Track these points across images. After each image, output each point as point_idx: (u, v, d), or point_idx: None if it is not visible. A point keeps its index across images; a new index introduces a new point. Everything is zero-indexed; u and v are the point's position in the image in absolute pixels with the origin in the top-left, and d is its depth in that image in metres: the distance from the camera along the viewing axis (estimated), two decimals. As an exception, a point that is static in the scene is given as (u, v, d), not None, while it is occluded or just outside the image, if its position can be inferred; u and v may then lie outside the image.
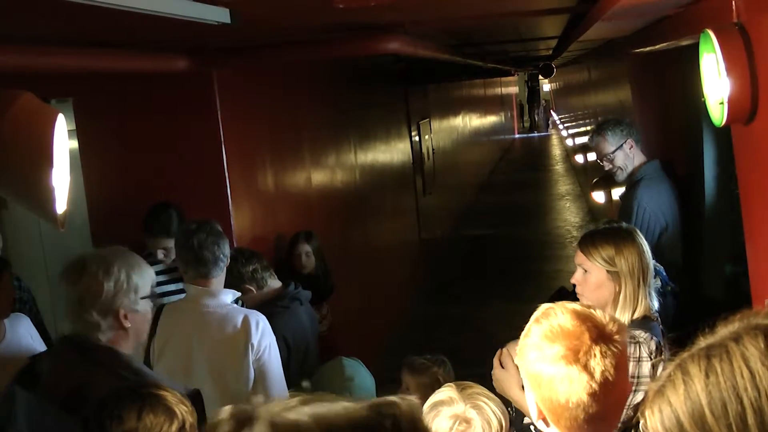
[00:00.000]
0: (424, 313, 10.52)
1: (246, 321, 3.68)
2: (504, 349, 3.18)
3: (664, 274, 4.09)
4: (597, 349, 1.90)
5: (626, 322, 2.94)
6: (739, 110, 2.43)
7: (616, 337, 1.95)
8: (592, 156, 13.43)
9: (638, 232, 3.11)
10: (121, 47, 4.09)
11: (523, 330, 2.07)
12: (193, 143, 5.20)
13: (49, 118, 2.50)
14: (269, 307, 4.11)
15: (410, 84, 11.87)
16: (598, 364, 1.89)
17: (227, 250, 3.81)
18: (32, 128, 2.47)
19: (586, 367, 1.89)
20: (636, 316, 2.99)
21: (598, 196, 7.25)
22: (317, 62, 6.66)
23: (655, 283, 4.04)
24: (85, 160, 5.24)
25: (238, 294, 3.91)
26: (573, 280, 3.14)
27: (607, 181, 6.69)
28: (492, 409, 2.53)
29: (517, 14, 5.24)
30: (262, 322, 3.71)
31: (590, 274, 3.07)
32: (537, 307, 2.11)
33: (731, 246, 4.12)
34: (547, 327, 1.98)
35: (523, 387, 3.00)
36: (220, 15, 3.04)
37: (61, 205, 2.52)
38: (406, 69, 10.59)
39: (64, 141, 2.54)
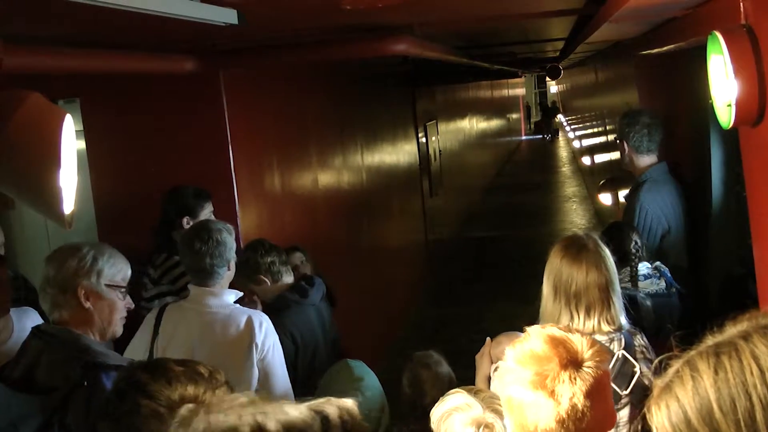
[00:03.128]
0: (429, 313, 10.52)
1: (249, 321, 3.67)
2: (489, 339, 3.19)
3: (669, 275, 4.08)
4: (566, 375, 1.87)
5: None
6: (746, 112, 2.42)
7: (590, 363, 1.90)
8: (598, 158, 13.38)
9: (589, 246, 2.98)
10: (129, 48, 4.10)
11: (526, 331, 2.07)
12: (200, 144, 5.20)
13: (56, 119, 2.50)
14: (280, 300, 4.11)
15: (417, 85, 11.87)
16: (567, 390, 1.85)
17: (230, 254, 3.79)
18: (40, 129, 2.47)
19: (553, 393, 1.86)
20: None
21: (605, 198, 7.25)
22: (324, 63, 6.66)
23: (659, 284, 4.04)
24: (92, 160, 5.25)
25: (240, 294, 3.90)
26: None
27: (614, 183, 6.69)
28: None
29: (524, 16, 5.23)
30: (265, 323, 3.71)
31: None
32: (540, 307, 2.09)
33: (738, 248, 4.11)
34: (520, 351, 1.96)
35: (488, 379, 3.05)
36: (228, 16, 3.05)
37: (68, 206, 2.52)
38: (414, 70, 10.59)
39: (71, 141, 2.54)
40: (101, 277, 2.90)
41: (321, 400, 1.33)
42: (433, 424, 2.42)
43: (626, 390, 2.83)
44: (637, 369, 2.87)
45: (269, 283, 4.24)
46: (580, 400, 1.85)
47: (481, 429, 2.39)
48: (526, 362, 1.92)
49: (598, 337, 2.88)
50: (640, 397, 2.91)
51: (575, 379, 1.87)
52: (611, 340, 2.91)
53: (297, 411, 1.27)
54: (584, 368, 1.90)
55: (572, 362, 1.89)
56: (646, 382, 2.91)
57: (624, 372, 2.86)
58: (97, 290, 2.89)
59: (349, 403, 1.34)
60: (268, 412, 1.26)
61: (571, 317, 2.92)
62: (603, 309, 2.93)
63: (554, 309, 2.93)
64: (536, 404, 1.87)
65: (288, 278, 4.33)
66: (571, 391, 1.85)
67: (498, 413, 2.37)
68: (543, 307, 2.98)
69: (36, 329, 2.89)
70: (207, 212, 4.63)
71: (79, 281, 2.86)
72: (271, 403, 1.31)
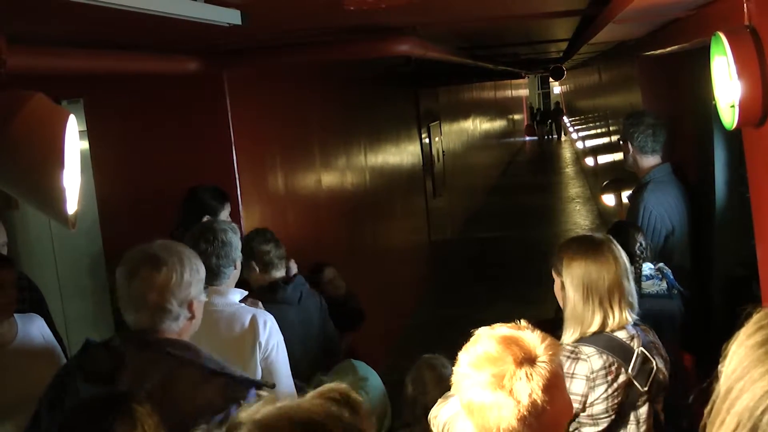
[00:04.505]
0: (432, 314, 10.51)
1: (254, 320, 3.68)
2: None
3: (672, 277, 4.07)
4: (522, 372, 1.86)
5: (576, 336, 2.90)
6: (750, 113, 2.42)
7: (544, 357, 1.90)
8: (602, 159, 13.38)
9: (608, 245, 2.97)
10: (133, 49, 4.10)
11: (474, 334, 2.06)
12: (203, 144, 5.21)
13: (60, 119, 2.50)
14: (262, 294, 4.12)
15: (421, 86, 11.88)
16: (525, 387, 1.85)
17: (236, 253, 3.80)
18: (43, 129, 2.47)
19: (512, 392, 1.85)
20: (587, 330, 2.89)
21: (608, 199, 7.24)
22: (327, 64, 6.66)
23: (661, 285, 4.04)
24: (95, 160, 5.26)
25: (245, 293, 3.91)
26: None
27: (618, 184, 6.68)
28: None
29: (528, 17, 5.23)
30: (269, 321, 3.72)
31: (555, 283, 3.04)
32: (545, 309, 2.10)
33: (741, 249, 4.10)
34: (474, 354, 1.95)
35: None
36: (231, 17, 3.05)
37: (71, 206, 2.53)
38: (417, 71, 10.59)
39: (74, 142, 2.55)
40: (202, 283, 2.85)
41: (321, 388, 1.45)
42: (435, 427, 2.41)
43: (645, 387, 2.86)
44: (653, 365, 2.89)
45: (258, 271, 4.28)
46: (539, 396, 1.85)
47: None
48: (481, 365, 1.91)
49: (621, 333, 2.90)
50: (656, 392, 2.92)
51: (531, 374, 1.87)
52: (631, 338, 2.92)
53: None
54: (539, 363, 1.89)
55: (527, 359, 1.89)
56: (661, 377, 2.93)
57: (644, 369, 2.89)
58: (201, 298, 2.83)
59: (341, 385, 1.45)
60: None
61: (605, 315, 2.90)
62: (627, 299, 2.94)
63: (586, 311, 2.90)
64: (497, 405, 1.86)
65: (278, 273, 4.37)
66: (529, 388, 1.85)
67: None
68: (570, 313, 2.94)
69: (151, 343, 2.69)
70: (226, 212, 4.67)
71: (193, 293, 2.77)
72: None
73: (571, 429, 2.83)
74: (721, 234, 4.40)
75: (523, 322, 2.03)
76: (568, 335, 2.91)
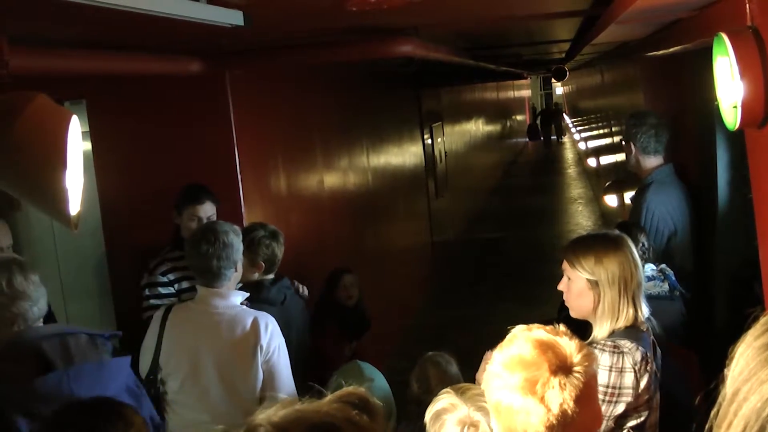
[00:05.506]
0: (435, 315, 10.51)
1: (255, 323, 3.69)
2: (489, 352, 3.19)
3: (673, 278, 4.07)
4: (556, 381, 1.86)
5: (608, 332, 2.90)
6: (752, 114, 2.42)
7: (579, 368, 1.90)
8: (604, 159, 13.37)
9: (626, 240, 2.99)
10: (135, 50, 4.11)
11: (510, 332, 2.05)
12: (205, 145, 5.21)
13: (62, 120, 2.51)
14: (246, 290, 4.11)
15: (423, 87, 11.87)
16: (557, 396, 1.85)
17: (237, 255, 3.80)
18: (46, 130, 2.47)
19: (543, 399, 1.85)
20: (619, 325, 2.90)
21: (611, 200, 7.25)
22: (330, 65, 6.66)
23: (662, 286, 4.03)
24: (98, 161, 5.26)
25: (247, 294, 3.91)
26: (559, 287, 3.08)
27: (620, 184, 6.68)
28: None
29: (530, 17, 5.23)
30: (271, 324, 3.72)
31: (573, 283, 2.99)
32: (548, 309, 2.09)
33: (744, 250, 4.10)
34: (508, 355, 1.95)
35: None
36: (234, 17, 3.05)
37: (74, 207, 2.53)
38: (419, 72, 10.59)
39: (77, 142, 2.55)
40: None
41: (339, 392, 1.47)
42: (427, 427, 2.42)
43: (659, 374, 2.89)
44: (659, 352, 2.93)
45: (245, 262, 4.28)
46: (569, 406, 1.85)
47: (466, 428, 2.38)
48: (514, 367, 1.91)
49: (642, 326, 2.93)
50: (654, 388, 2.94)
51: (565, 385, 1.86)
52: (647, 329, 2.96)
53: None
54: (574, 374, 1.89)
55: (562, 368, 1.89)
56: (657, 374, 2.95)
57: (657, 357, 2.92)
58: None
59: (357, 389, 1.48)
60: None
61: (636, 308, 2.92)
62: (642, 292, 2.97)
63: (622, 306, 2.91)
64: (526, 410, 1.86)
65: (265, 276, 4.42)
66: (561, 398, 1.85)
67: (484, 410, 2.35)
68: (607, 308, 2.91)
69: None
70: (205, 210, 4.56)
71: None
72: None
73: (616, 422, 2.81)
74: (724, 235, 4.40)
75: (562, 327, 2.02)
76: (602, 330, 2.92)
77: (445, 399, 2.48)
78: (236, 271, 3.82)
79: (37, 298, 2.87)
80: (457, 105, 16.36)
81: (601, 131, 14.04)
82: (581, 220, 16.51)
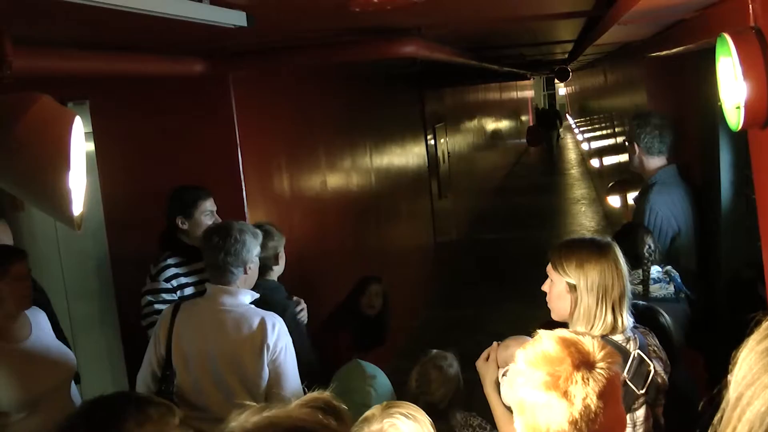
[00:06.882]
0: (438, 315, 10.51)
1: (262, 322, 3.68)
2: (496, 343, 3.19)
3: (679, 280, 4.05)
4: (578, 376, 1.86)
5: None
6: (755, 114, 2.41)
7: (602, 364, 1.90)
8: (607, 160, 13.35)
9: (614, 248, 2.95)
10: (138, 50, 4.11)
11: (534, 334, 2.06)
12: (208, 146, 5.21)
13: (65, 121, 2.51)
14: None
15: (426, 87, 11.86)
16: (579, 391, 1.85)
17: (248, 255, 3.79)
18: (49, 130, 2.48)
19: (566, 394, 1.85)
20: (594, 333, 2.83)
21: (614, 200, 7.24)
22: (333, 65, 6.67)
23: (668, 288, 4.02)
24: (101, 162, 5.27)
25: (257, 296, 3.90)
26: (543, 288, 3.05)
27: (623, 185, 6.67)
28: (410, 426, 2.36)
29: (533, 18, 5.23)
30: (278, 324, 3.72)
31: (554, 284, 2.98)
32: (549, 311, 2.09)
33: (747, 251, 4.10)
34: (532, 352, 1.95)
35: (497, 384, 3.07)
36: (237, 18, 3.05)
37: (77, 208, 2.53)
38: (422, 72, 10.59)
39: (80, 143, 2.55)
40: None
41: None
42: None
43: (642, 389, 2.84)
44: (651, 368, 2.87)
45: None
46: (593, 401, 1.85)
47: None
48: (538, 364, 1.91)
49: (617, 337, 2.89)
50: (654, 395, 2.91)
51: (588, 379, 1.86)
52: (627, 340, 2.90)
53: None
54: (597, 369, 1.89)
55: (585, 363, 1.89)
56: (659, 381, 2.92)
57: (640, 371, 2.86)
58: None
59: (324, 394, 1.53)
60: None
61: (614, 319, 2.88)
62: (628, 303, 2.94)
63: (598, 314, 2.86)
64: (549, 405, 1.86)
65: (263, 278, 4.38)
66: (584, 392, 1.85)
67: (394, 427, 2.32)
68: (582, 314, 2.88)
69: None
70: (203, 210, 4.51)
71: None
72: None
73: None
74: (727, 236, 4.40)
75: (546, 330, 2.04)
76: None
77: (372, 409, 2.44)
78: (245, 273, 3.80)
79: None
80: (461, 106, 16.36)
81: (604, 132, 14.03)
82: (584, 220, 16.50)
